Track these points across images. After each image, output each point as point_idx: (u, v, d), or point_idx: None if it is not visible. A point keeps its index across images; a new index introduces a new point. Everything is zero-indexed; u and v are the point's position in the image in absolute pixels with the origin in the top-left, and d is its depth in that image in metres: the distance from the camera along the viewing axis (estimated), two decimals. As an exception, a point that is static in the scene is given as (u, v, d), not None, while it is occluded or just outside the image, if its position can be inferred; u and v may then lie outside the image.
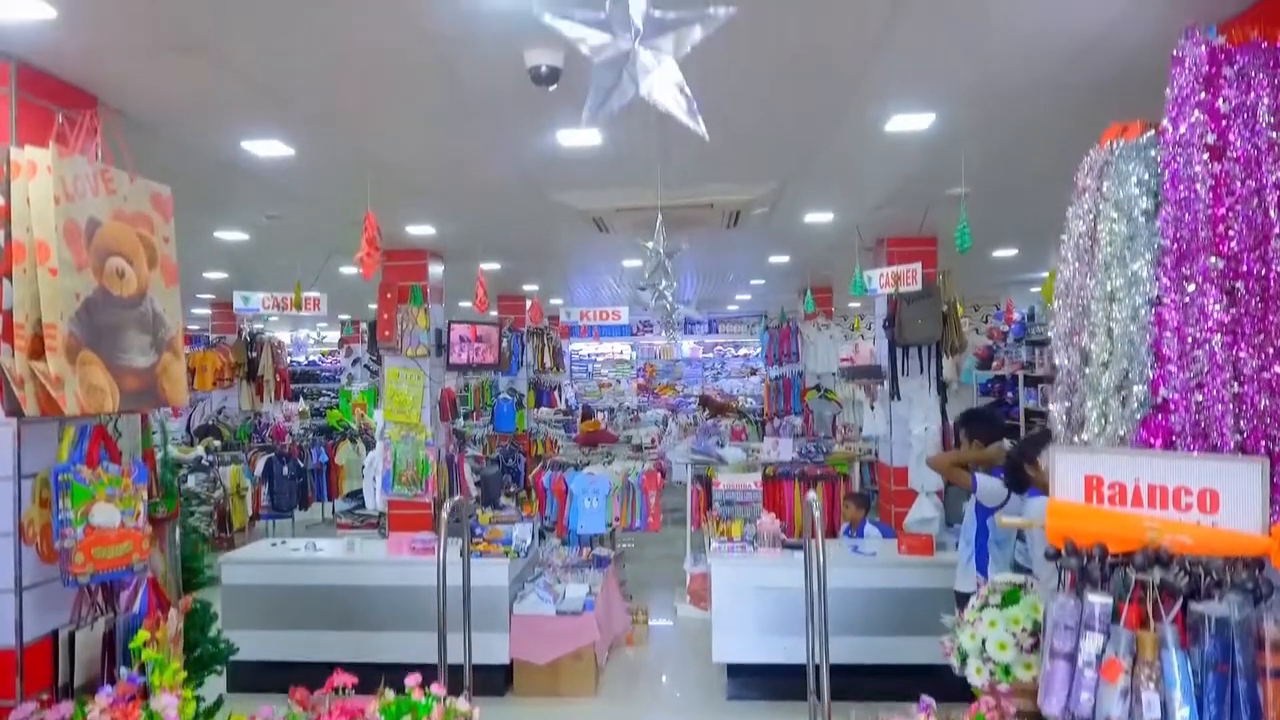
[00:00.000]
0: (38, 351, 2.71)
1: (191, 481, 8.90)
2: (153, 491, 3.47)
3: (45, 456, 2.97)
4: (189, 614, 3.55)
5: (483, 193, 5.41)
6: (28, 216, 2.73)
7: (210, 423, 11.84)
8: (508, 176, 4.99)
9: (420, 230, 6.36)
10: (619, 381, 19.76)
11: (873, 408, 7.44)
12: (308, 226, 6.53)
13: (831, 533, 7.68)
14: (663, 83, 1.77)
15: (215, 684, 3.78)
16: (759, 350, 14.17)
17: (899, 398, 7.08)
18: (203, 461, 9.34)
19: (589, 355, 20.38)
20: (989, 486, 4.57)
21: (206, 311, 13.79)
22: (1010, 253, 8.68)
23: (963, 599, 4.62)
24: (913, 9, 2.87)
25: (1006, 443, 4.84)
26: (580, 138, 4.15)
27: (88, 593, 3.10)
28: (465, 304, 13.33)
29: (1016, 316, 11.04)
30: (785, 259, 9.30)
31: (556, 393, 13.09)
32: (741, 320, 17.40)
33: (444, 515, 3.51)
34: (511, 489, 10.46)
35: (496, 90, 3.48)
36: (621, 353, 20.14)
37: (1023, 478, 4.09)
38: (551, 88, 2.94)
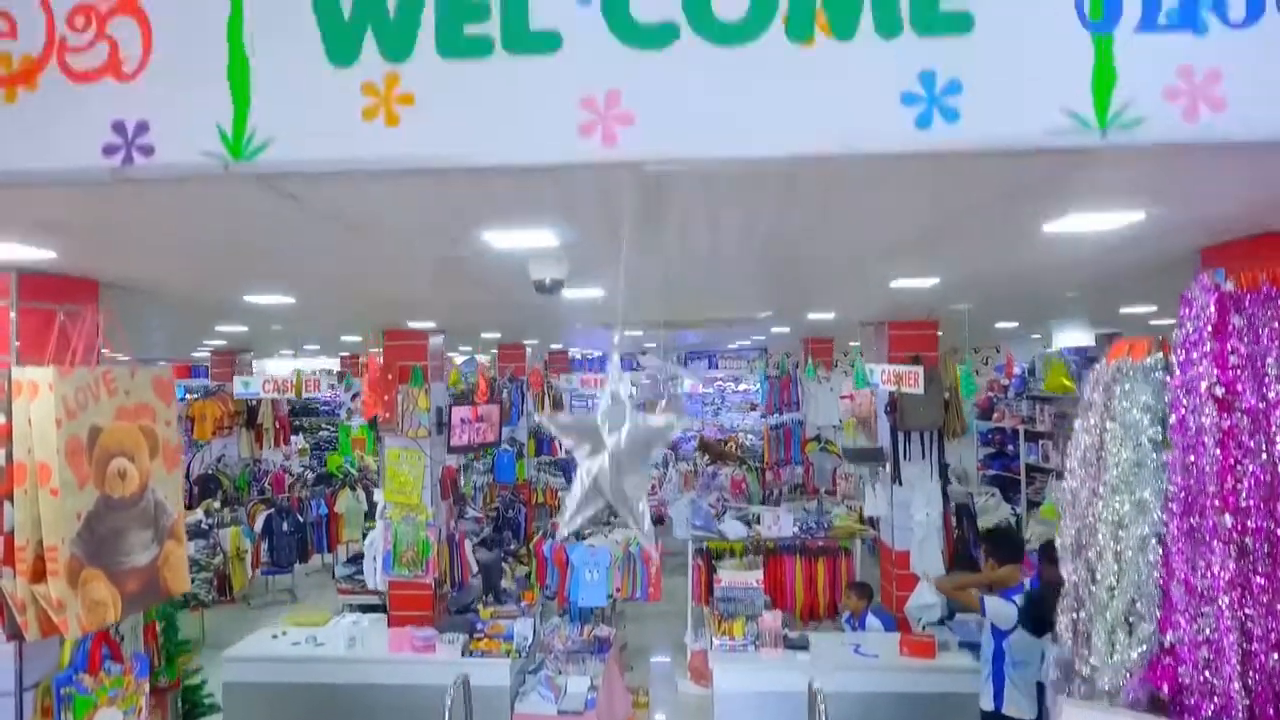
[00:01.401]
0: (39, 574, 2.69)
1: (191, 548, 8.86)
2: (154, 664, 3.46)
3: (47, 663, 2.96)
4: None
5: (484, 307, 5.42)
6: (29, 437, 2.71)
7: (209, 471, 11.83)
8: (510, 308, 5.01)
9: (421, 324, 6.37)
10: (619, 415, 19.60)
11: (875, 488, 7.43)
12: (308, 326, 6.53)
13: (832, 609, 7.68)
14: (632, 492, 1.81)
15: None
16: (758, 387, 14.15)
17: (901, 482, 7.07)
18: (202, 525, 9.30)
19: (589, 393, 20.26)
20: (998, 609, 4.55)
21: (206, 355, 13.73)
22: (1011, 325, 8.69)
23: (986, 717, 4.65)
24: (944, 231, 2.84)
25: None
26: (583, 293, 4.15)
27: (90, 789, 3.09)
28: (467, 347, 13.33)
29: (1017, 370, 10.95)
30: (786, 330, 9.31)
31: (557, 441, 13.00)
32: (742, 356, 17.36)
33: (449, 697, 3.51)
34: (512, 546, 10.44)
35: (501, 282, 3.49)
36: (621, 386, 19.99)
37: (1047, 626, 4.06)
38: (557, 294, 2.92)
